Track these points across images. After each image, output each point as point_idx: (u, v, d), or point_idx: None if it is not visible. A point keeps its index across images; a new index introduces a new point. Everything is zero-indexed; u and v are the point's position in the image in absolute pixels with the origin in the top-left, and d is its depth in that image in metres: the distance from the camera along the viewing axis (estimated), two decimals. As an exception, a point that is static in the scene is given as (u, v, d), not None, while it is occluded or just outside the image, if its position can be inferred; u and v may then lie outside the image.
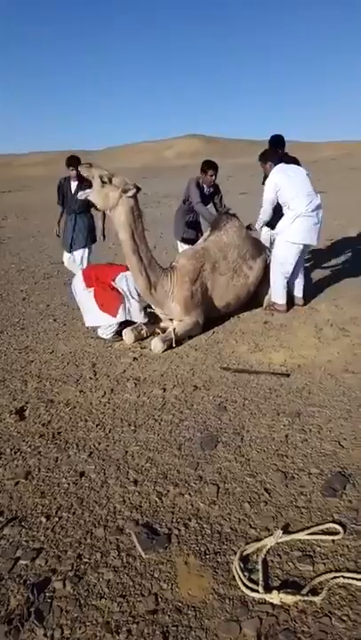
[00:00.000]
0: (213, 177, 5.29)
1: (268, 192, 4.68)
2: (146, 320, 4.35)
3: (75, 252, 5.66)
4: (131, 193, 3.84)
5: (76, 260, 5.68)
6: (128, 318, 4.27)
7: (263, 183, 4.92)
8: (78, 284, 4.36)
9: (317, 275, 6.24)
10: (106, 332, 4.28)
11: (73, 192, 5.41)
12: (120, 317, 4.22)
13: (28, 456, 2.64)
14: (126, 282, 4.23)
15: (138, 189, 3.88)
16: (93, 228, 5.72)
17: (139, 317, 4.31)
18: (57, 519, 2.15)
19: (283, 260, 4.68)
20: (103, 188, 3.83)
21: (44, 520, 2.15)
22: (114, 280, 4.24)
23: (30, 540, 2.04)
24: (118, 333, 4.30)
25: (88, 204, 5.05)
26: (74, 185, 5.41)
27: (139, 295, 4.25)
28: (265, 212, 4.80)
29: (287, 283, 4.80)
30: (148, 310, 4.47)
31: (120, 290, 4.23)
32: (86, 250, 5.67)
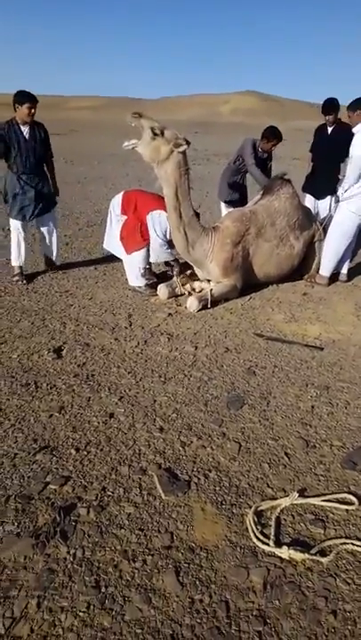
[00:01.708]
0: (274, 148, 5.11)
1: (357, 151, 4.06)
2: (170, 258, 4.33)
3: (44, 218, 4.55)
4: (182, 148, 3.74)
5: (43, 228, 4.61)
6: (144, 267, 4.30)
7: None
8: (116, 206, 4.34)
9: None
10: (130, 281, 4.38)
11: (27, 139, 4.25)
12: (132, 264, 4.27)
13: (62, 392, 2.78)
14: (159, 220, 4.15)
15: (188, 144, 3.80)
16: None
17: (162, 256, 4.30)
18: (85, 453, 2.29)
19: (342, 230, 4.48)
20: (154, 141, 3.69)
21: (73, 452, 2.29)
22: (149, 214, 4.17)
23: (60, 468, 2.19)
24: (152, 287, 4.35)
25: (42, 154, 4.35)
26: (26, 129, 4.24)
27: (165, 236, 4.19)
28: (354, 178, 4.20)
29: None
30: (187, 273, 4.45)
31: (150, 227, 4.18)
32: (55, 212, 4.73)
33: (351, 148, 4.20)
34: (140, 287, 4.36)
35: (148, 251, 4.26)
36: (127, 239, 4.25)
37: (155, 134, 3.68)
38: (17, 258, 4.52)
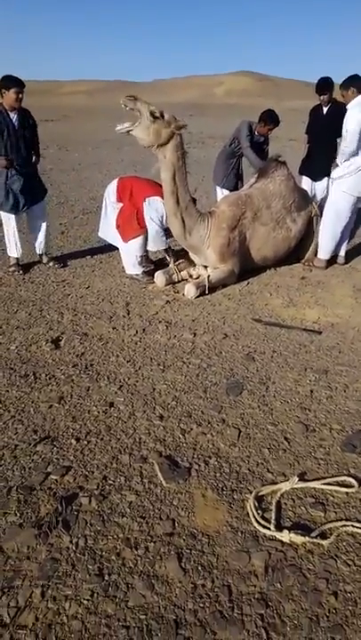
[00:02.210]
0: (270, 132, 5.04)
1: (352, 126, 4.02)
2: (166, 246, 4.30)
3: (34, 209, 4.45)
4: (184, 130, 3.69)
5: (34, 219, 4.53)
6: (141, 255, 4.26)
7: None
8: (111, 194, 4.27)
9: (362, 233, 5.99)
10: (128, 269, 4.34)
11: (16, 127, 4.13)
12: (130, 251, 4.24)
13: (61, 383, 2.78)
14: (155, 207, 4.10)
15: (185, 126, 3.74)
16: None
17: (158, 244, 4.25)
18: (86, 442, 2.30)
19: (336, 210, 4.45)
20: (154, 124, 3.59)
21: (74, 442, 2.30)
22: (145, 201, 4.12)
23: (61, 458, 2.20)
24: (149, 274, 4.32)
25: (33, 142, 4.29)
26: (14, 116, 4.11)
27: (161, 223, 4.14)
28: (351, 145, 4.12)
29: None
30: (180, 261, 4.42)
31: (145, 213, 4.13)
32: (44, 202, 4.63)
33: (345, 124, 4.13)
34: (137, 275, 4.34)
35: (146, 238, 4.22)
36: (123, 227, 4.21)
37: (155, 117, 3.58)
38: (13, 249, 4.48)
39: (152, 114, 3.57)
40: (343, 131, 4.17)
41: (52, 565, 1.69)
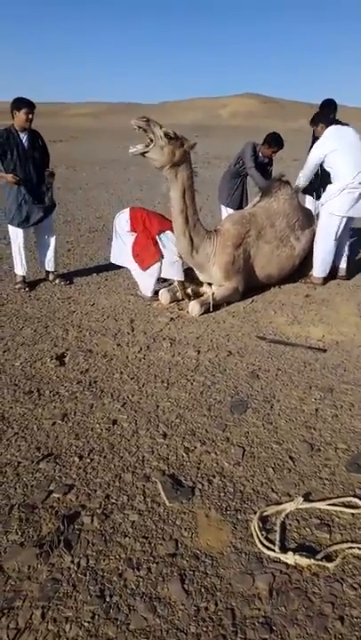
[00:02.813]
0: (274, 155, 5.14)
1: (312, 157, 4.45)
2: (182, 277, 4.31)
3: (44, 224, 4.53)
4: (194, 149, 3.76)
5: (43, 234, 4.62)
6: (158, 277, 4.28)
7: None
8: (123, 223, 4.31)
9: (366, 251, 6.02)
10: (145, 292, 4.34)
11: (26, 147, 4.25)
12: (149, 275, 4.24)
13: (65, 399, 2.78)
14: (169, 240, 4.18)
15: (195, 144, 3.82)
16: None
17: (176, 274, 4.28)
18: (89, 460, 2.28)
19: (326, 232, 4.54)
20: (169, 145, 3.61)
21: (77, 460, 2.28)
22: (160, 234, 4.21)
23: (63, 476, 2.18)
24: (156, 293, 4.35)
25: (40, 162, 4.36)
26: (24, 137, 4.24)
27: (175, 254, 4.19)
28: (305, 177, 4.59)
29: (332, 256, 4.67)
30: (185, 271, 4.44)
31: (161, 246, 4.21)
32: (52, 220, 4.70)
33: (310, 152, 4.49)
34: (152, 296, 4.34)
35: (162, 263, 4.27)
36: (142, 255, 4.24)
37: (169, 138, 3.61)
38: (19, 266, 4.53)
39: (166, 135, 3.60)
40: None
41: (52, 586, 1.66)
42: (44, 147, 4.44)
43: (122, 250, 4.40)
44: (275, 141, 5.05)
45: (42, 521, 1.94)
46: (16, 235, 4.44)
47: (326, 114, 4.78)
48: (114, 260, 4.54)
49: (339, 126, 4.45)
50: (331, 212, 4.45)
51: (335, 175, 4.40)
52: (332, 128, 4.44)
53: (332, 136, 4.40)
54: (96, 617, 1.57)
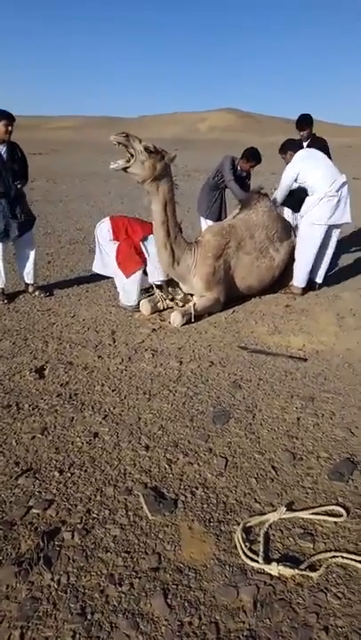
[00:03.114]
0: (252, 168, 5.24)
1: (286, 178, 4.64)
2: (167, 277, 4.36)
3: (23, 237, 4.45)
4: (174, 161, 3.80)
5: (23, 247, 4.53)
6: (140, 284, 4.33)
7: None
8: (105, 232, 4.34)
9: (344, 261, 6.14)
10: (128, 300, 4.33)
11: (5, 159, 4.19)
12: (132, 282, 4.26)
13: (45, 413, 2.73)
14: (152, 244, 4.20)
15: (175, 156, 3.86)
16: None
17: (163, 275, 4.34)
18: (69, 475, 2.24)
19: (308, 243, 4.62)
20: (149, 159, 3.63)
21: (57, 474, 2.24)
22: (143, 241, 4.24)
23: (43, 491, 2.13)
24: (138, 304, 4.34)
25: (20, 174, 4.31)
26: (3, 149, 4.18)
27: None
28: (280, 196, 4.78)
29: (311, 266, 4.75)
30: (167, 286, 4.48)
31: (145, 253, 4.26)
32: (33, 233, 4.61)
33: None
34: (132, 306, 4.34)
35: (145, 271, 4.31)
36: (124, 263, 4.26)
37: (150, 152, 3.63)
38: (-1, 278, 4.46)
39: (146, 149, 3.62)
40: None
41: (32, 605, 1.61)
42: (24, 159, 4.41)
43: (104, 259, 4.42)
44: (253, 156, 5.16)
45: (21, 538, 1.89)
46: (-5, 247, 4.39)
47: (292, 141, 5.18)
48: (96, 269, 4.54)
49: (307, 149, 4.78)
50: (312, 221, 4.54)
51: (311, 188, 4.51)
52: (301, 150, 4.76)
53: (302, 156, 4.67)
54: (77, 636, 1.52)
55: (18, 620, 1.56)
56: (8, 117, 4.10)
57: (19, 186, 4.30)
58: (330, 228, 4.62)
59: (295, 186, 4.66)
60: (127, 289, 4.33)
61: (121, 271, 4.27)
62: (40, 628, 1.54)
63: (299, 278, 4.77)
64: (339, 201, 4.46)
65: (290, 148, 4.96)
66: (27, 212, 4.47)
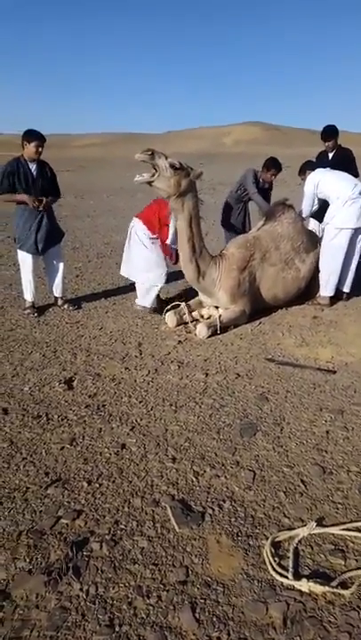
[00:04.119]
0: (274, 177, 5.26)
1: (307, 187, 4.74)
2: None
3: (52, 251, 4.61)
4: (200, 178, 3.85)
5: (51, 261, 4.69)
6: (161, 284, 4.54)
7: None
8: (141, 232, 4.46)
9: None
10: (144, 302, 4.55)
11: (35, 177, 4.35)
12: (151, 277, 4.48)
13: (73, 424, 2.77)
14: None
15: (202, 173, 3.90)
16: None
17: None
18: (97, 485, 2.26)
19: (334, 248, 4.57)
20: (175, 175, 3.66)
21: (85, 485, 2.26)
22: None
23: (72, 501, 2.16)
24: (155, 311, 4.54)
25: (49, 191, 4.45)
26: (33, 167, 4.34)
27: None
28: (306, 206, 4.84)
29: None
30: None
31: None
32: (61, 247, 4.77)
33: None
34: (146, 307, 4.54)
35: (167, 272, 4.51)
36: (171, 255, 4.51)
37: (175, 168, 3.66)
38: (28, 292, 4.59)
39: (172, 165, 3.65)
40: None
41: (61, 615, 1.63)
42: (53, 176, 4.55)
43: (132, 260, 4.58)
44: (273, 164, 5.21)
45: (50, 547, 1.91)
46: (24, 261, 4.52)
47: (310, 162, 5.28)
48: (125, 272, 4.72)
49: (321, 169, 4.86)
50: (337, 226, 4.50)
51: (335, 194, 4.53)
52: (317, 169, 4.84)
53: (317, 172, 4.76)
54: (106, 647, 1.52)
55: (47, 629, 1.58)
56: (39, 138, 4.25)
57: (50, 199, 4.44)
58: (355, 235, 4.55)
59: (317, 199, 4.71)
60: (146, 286, 4.51)
61: (174, 257, 4.44)
62: (69, 638, 1.55)
63: (325, 287, 4.72)
64: None
65: (308, 167, 5.07)
66: (56, 228, 4.60)
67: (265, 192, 5.36)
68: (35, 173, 4.34)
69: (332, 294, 4.74)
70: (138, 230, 4.45)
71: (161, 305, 4.59)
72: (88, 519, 2.06)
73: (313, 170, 4.89)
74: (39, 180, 4.36)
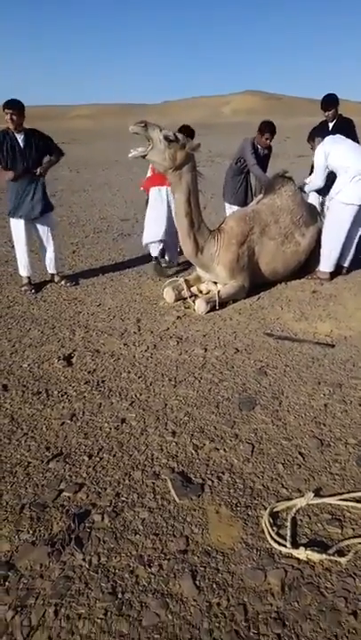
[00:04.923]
0: (269, 140, 5.11)
1: (318, 159, 4.58)
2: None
3: (41, 220, 4.51)
4: (197, 150, 3.72)
5: (42, 233, 4.58)
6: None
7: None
8: (158, 195, 4.71)
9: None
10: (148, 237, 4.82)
11: (23, 147, 4.22)
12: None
13: (73, 399, 2.79)
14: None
15: (199, 145, 3.79)
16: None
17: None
18: (98, 459, 2.29)
19: (338, 224, 4.50)
20: (169, 148, 3.57)
21: (86, 459, 2.29)
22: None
23: (73, 475, 2.19)
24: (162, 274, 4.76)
25: (40, 162, 4.37)
26: (21, 137, 4.21)
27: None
28: (317, 179, 4.67)
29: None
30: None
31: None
32: (52, 214, 4.69)
33: (314, 160, 4.67)
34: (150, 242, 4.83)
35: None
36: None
37: (170, 140, 3.56)
38: (23, 268, 4.55)
39: (166, 138, 3.55)
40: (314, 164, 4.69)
41: (65, 583, 1.67)
42: (45, 140, 4.39)
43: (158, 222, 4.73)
44: (265, 126, 5.07)
45: (53, 520, 1.95)
46: (18, 235, 4.45)
47: (318, 129, 5.17)
48: (150, 238, 4.87)
49: (333, 136, 4.65)
50: (344, 201, 4.41)
51: (342, 169, 4.39)
52: (328, 137, 4.64)
53: (328, 140, 4.56)
54: (109, 614, 1.57)
55: (52, 597, 1.63)
56: (12, 107, 4.07)
57: (37, 173, 4.33)
58: (359, 211, 4.48)
59: (327, 170, 4.56)
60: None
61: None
62: (73, 605, 1.60)
63: (326, 262, 4.68)
64: None
65: (317, 134, 4.99)
66: (47, 199, 4.50)
67: (266, 159, 5.26)
68: (22, 144, 4.21)
69: (332, 270, 4.70)
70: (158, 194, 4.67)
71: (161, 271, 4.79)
72: (89, 492, 2.09)
73: (323, 136, 4.70)
74: (27, 150, 4.23)
